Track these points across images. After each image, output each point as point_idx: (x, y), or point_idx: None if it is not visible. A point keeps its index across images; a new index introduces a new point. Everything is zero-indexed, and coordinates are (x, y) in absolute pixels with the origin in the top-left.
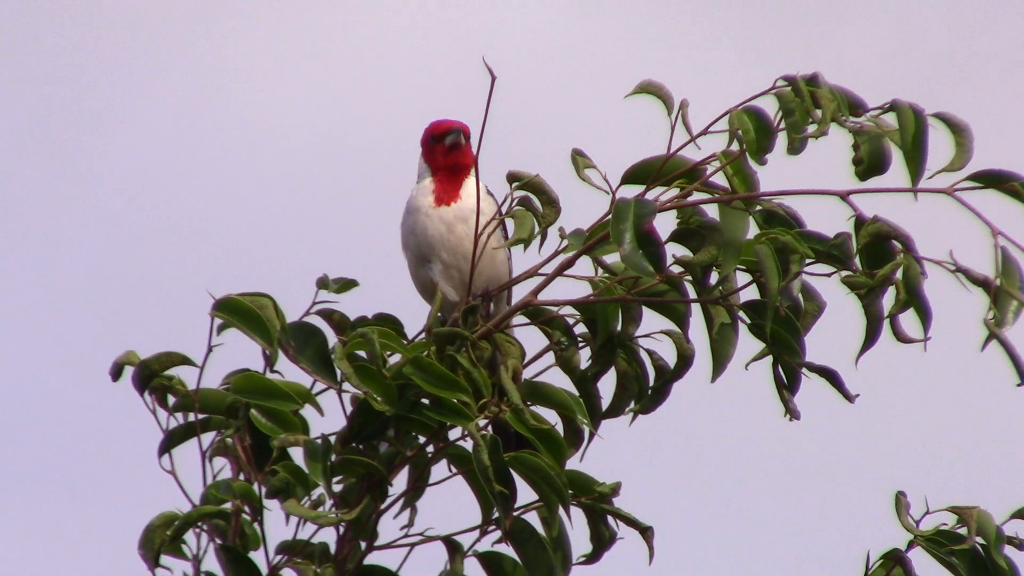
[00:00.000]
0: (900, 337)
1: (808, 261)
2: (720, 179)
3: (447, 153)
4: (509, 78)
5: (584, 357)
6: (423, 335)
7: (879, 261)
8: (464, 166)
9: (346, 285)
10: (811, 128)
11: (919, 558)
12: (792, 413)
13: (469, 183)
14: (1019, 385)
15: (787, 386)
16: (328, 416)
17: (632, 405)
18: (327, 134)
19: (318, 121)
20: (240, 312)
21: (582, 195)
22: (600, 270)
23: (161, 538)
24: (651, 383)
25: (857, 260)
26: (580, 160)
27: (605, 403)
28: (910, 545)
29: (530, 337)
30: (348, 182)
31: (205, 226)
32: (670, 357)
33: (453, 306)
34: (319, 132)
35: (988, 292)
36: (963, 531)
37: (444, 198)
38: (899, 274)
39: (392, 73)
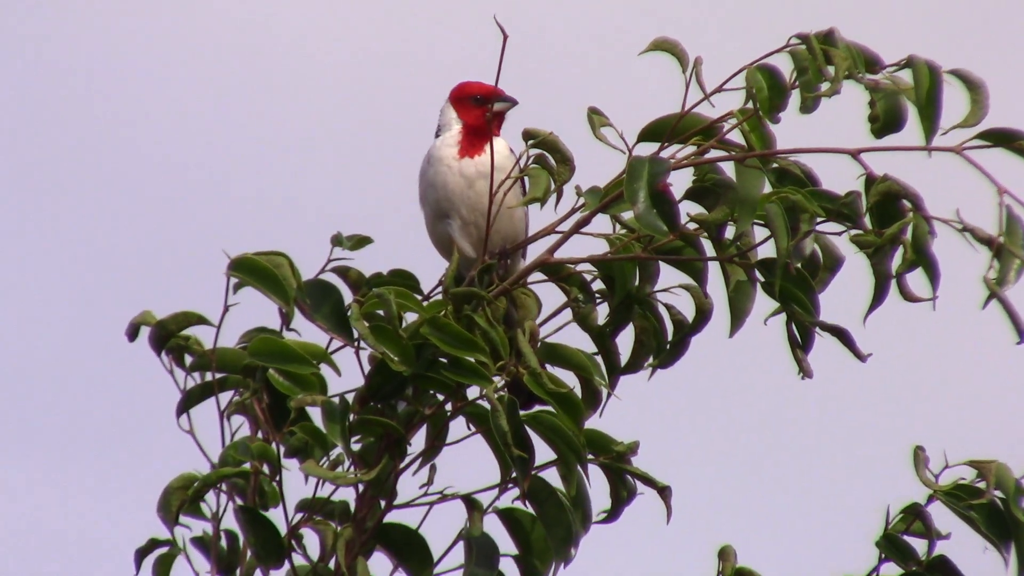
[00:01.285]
0: (907, 296)
1: (818, 219)
2: (736, 136)
3: (489, 117)
4: (528, 35)
5: (602, 313)
6: (439, 292)
7: (889, 220)
8: (486, 128)
9: (360, 242)
10: (824, 87)
11: (938, 512)
12: (805, 372)
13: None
14: (1019, 343)
15: (801, 345)
16: (345, 372)
17: (650, 360)
18: (341, 88)
19: (331, 75)
20: (256, 271)
21: (599, 152)
22: (618, 227)
23: (180, 499)
24: (669, 338)
25: (867, 219)
26: (596, 118)
27: (623, 359)
28: (929, 499)
29: (547, 295)
30: (363, 134)
31: (218, 182)
32: (688, 311)
33: (470, 263)
34: (334, 86)
35: (992, 250)
36: (982, 485)
37: (469, 151)
38: (908, 233)
39: (410, 22)
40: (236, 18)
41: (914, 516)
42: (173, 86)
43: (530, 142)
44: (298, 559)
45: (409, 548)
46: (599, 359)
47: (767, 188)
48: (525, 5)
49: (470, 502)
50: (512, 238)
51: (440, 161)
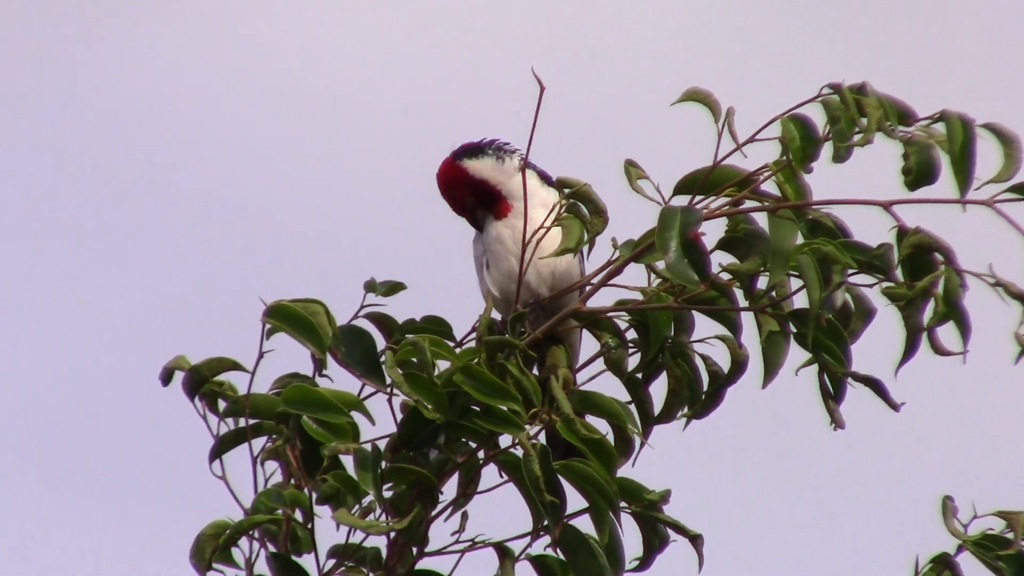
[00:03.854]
0: (938, 350)
1: (850, 271)
2: (771, 187)
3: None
4: (562, 86)
5: (635, 362)
6: (472, 338)
7: (921, 272)
8: (487, 205)
9: (393, 288)
10: (856, 137)
11: (966, 563)
12: (837, 422)
13: (508, 192)
14: None
15: (833, 395)
16: (378, 416)
17: (685, 410)
18: (382, 137)
19: (371, 123)
20: (292, 318)
21: (634, 204)
22: (653, 277)
23: (212, 547)
24: (704, 388)
25: (899, 271)
26: (633, 170)
27: (657, 408)
28: (958, 550)
29: (584, 345)
30: (402, 182)
31: (251, 229)
32: (724, 362)
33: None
34: (373, 134)
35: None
36: (1010, 535)
37: (498, 213)
38: (939, 286)
39: (451, 68)
40: (278, 58)
41: (943, 566)
42: (208, 123)
43: (564, 191)
44: None
45: None
46: (633, 408)
47: (799, 239)
48: (560, 58)
49: (502, 550)
50: (559, 275)
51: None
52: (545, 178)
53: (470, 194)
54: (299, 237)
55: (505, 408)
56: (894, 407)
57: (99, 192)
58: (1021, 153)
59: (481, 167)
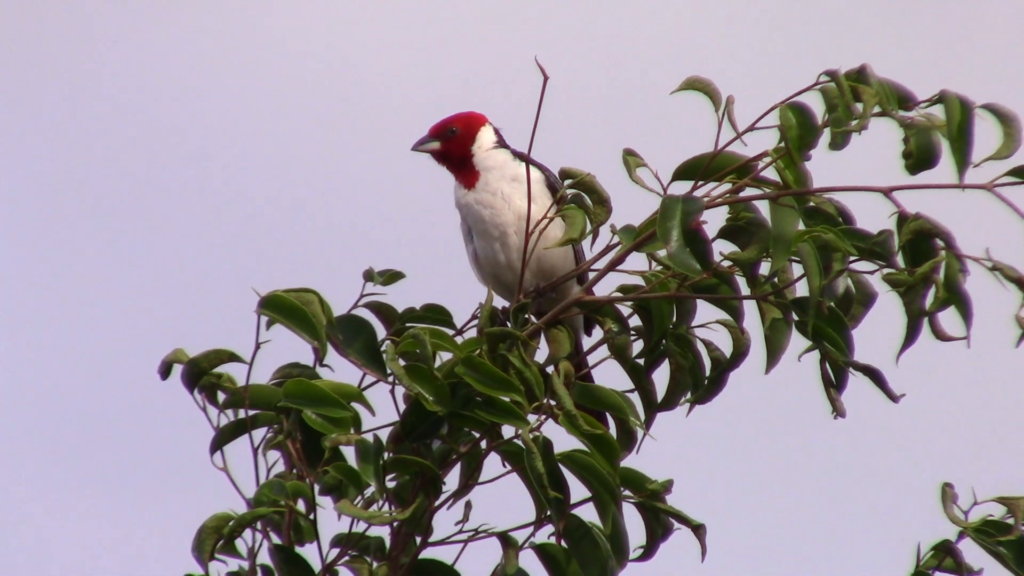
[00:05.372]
0: (939, 335)
1: (851, 258)
2: (771, 174)
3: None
4: (562, 75)
5: (638, 348)
6: (473, 324)
7: (921, 258)
8: (454, 160)
9: (392, 277)
10: (852, 123)
11: (969, 549)
12: (838, 411)
13: (479, 161)
14: None
15: (834, 384)
16: (379, 405)
17: (687, 396)
18: (379, 125)
19: (370, 111)
20: (286, 309)
21: (634, 190)
22: (654, 264)
23: (214, 540)
24: (707, 373)
25: (899, 257)
26: (632, 160)
27: (660, 394)
28: (960, 536)
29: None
30: (401, 170)
31: (251, 219)
32: (725, 347)
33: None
34: (372, 122)
35: (1022, 289)
36: (1011, 521)
37: (467, 182)
38: (940, 272)
39: (454, 61)
40: (276, 50)
41: (945, 553)
42: (205, 116)
43: (567, 181)
44: None
45: None
46: (636, 395)
47: (800, 226)
48: (560, 47)
49: (505, 539)
50: (555, 263)
51: (458, 200)
52: (518, 155)
53: (464, 132)
54: (298, 227)
55: (507, 399)
56: (893, 398)
57: (99, 185)
58: (1020, 132)
59: (486, 134)
